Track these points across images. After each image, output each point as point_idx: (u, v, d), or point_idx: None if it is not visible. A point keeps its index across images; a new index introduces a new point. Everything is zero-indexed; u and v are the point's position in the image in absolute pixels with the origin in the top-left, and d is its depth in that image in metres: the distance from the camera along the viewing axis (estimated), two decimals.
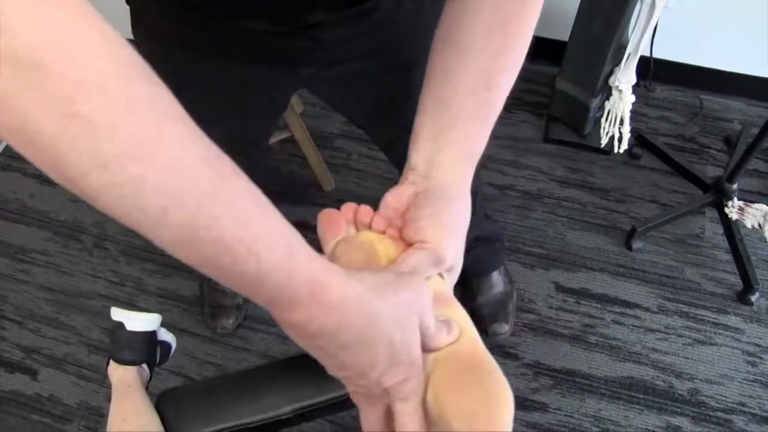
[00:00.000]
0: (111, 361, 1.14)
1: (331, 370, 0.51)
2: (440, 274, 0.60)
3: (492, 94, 0.65)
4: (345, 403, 1.11)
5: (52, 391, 1.81)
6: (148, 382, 1.16)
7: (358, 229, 0.63)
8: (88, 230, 2.08)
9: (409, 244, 0.60)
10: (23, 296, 1.98)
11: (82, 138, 0.35)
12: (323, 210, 0.63)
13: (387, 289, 0.49)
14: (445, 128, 0.63)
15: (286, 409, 1.08)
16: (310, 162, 1.98)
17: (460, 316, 0.57)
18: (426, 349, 0.53)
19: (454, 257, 0.60)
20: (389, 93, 1.06)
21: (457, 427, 0.50)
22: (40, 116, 0.34)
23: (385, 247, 0.59)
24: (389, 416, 0.54)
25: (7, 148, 2.30)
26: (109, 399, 1.06)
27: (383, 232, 0.62)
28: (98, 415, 1.75)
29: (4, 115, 0.35)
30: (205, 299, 1.87)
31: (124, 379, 1.12)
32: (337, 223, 0.62)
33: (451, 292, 0.62)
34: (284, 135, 1.94)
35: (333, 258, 0.59)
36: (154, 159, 0.37)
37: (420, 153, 0.64)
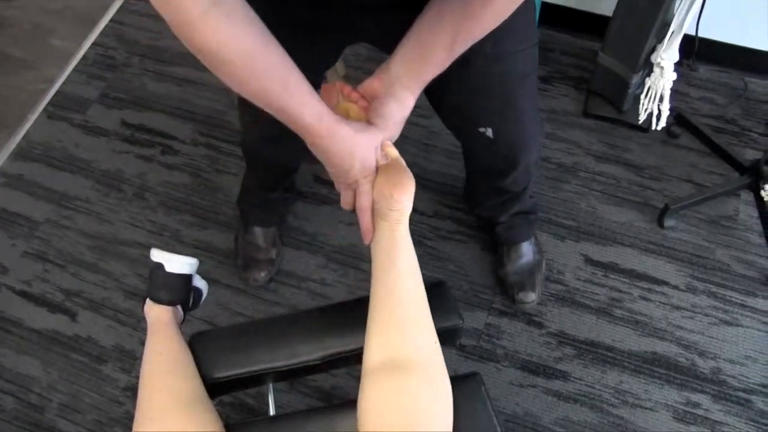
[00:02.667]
0: (148, 300, 1.19)
1: (328, 170, 0.99)
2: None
3: (454, 48, 0.95)
4: None
5: (89, 332, 1.88)
6: (181, 324, 1.21)
7: (344, 98, 1.04)
8: (130, 180, 2.14)
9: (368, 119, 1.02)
10: (65, 241, 2.05)
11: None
12: (324, 85, 1.08)
13: (363, 131, 0.96)
14: (415, 60, 0.98)
15: (315, 355, 1.12)
16: None
17: (393, 152, 1.01)
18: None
19: (390, 129, 1.01)
20: None
21: (387, 190, 0.97)
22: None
23: (355, 112, 1.03)
24: (353, 198, 1.02)
25: (55, 98, 2.36)
26: (142, 343, 1.11)
27: (356, 102, 1.03)
28: (132, 357, 1.81)
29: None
30: (239, 252, 1.91)
31: (160, 318, 1.16)
32: (329, 94, 1.04)
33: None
34: None
35: None
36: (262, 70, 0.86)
37: (396, 66, 0.99)
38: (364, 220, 1.01)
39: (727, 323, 1.77)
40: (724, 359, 1.72)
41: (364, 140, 0.95)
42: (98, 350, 1.85)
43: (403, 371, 0.90)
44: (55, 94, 2.38)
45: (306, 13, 1.11)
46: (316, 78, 1.38)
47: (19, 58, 2.50)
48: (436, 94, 1.22)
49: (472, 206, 1.87)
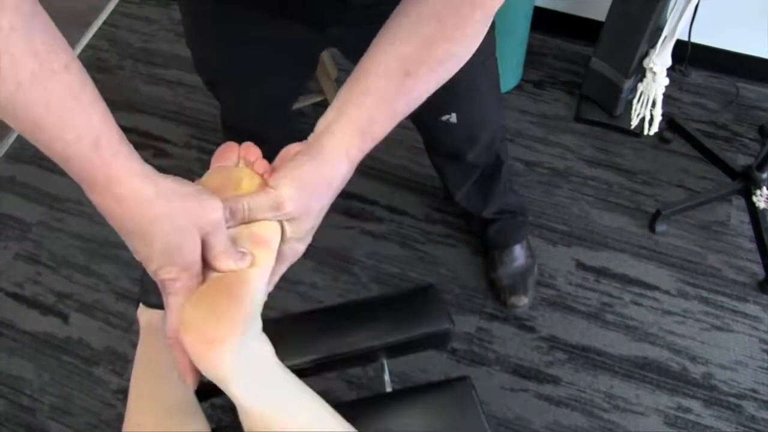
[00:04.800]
0: (141, 304, 1.19)
1: (131, 251, 0.59)
2: (281, 223, 0.64)
3: (410, 81, 0.65)
4: (362, 358, 1.15)
5: (81, 334, 1.88)
6: None
7: (244, 164, 0.67)
8: None
9: None
10: (57, 243, 2.04)
11: None
12: (227, 142, 0.69)
13: (175, 197, 0.55)
14: (351, 102, 0.65)
15: (306, 359, 1.12)
16: None
17: (264, 260, 0.62)
18: (209, 264, 0.60)
19: (298, 210, 0.63)
20: None
21: (181, 330, 0.59)
22: None
23: (252, 183, 0.63)
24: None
25: None
26: (134, 346, 1.11)
27: (260, 174, 0.65)
28: (123, 360, 1.81)
29: None
30: None
31: (152, 322, 1.16)
32: (227, 155, 0.67)
33: (300, 245, 0.67)
34: (318, 98, 1.97)
35: (205, 177, 0.66)
36: None
37: (323, 118, 0.67)
38: (177, 356, 0.63)
39: (719, 328, 1.78)
40: (715, 364, 1.73)
41: (175, 214, 0.55)
42: (90, 352, 1.85)
43: None
44: None
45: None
46: (301, 84, 1.38)
47: None
48: None
49: (451, 199, 1.85)
